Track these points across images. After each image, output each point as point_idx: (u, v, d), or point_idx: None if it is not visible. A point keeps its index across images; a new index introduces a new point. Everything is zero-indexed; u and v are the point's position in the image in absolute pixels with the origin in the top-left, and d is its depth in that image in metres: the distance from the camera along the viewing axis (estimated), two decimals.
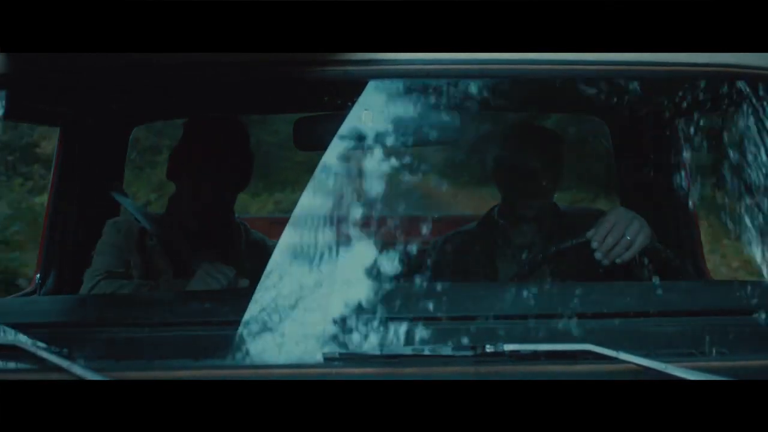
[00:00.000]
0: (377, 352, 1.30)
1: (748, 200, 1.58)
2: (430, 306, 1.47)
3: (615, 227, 1.80)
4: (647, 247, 1.81)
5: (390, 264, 1.52)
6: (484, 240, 2.32)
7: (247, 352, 1.37)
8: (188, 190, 2.18)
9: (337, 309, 1.45)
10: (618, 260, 1.80)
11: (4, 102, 1.60)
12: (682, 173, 2.60)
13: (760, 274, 1.56)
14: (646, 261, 1.83)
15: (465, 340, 1.37)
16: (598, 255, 1.80)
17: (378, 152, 1.59)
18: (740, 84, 1.63)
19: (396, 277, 1.50)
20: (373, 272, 1.50)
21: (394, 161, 1.59)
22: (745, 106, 1.66)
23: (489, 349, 1.28)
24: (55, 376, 1.23)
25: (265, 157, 7.49)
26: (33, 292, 2.56)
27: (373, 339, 1.37)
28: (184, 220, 2.20)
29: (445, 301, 1.47)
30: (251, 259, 2.24)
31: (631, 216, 1.83)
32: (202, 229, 2.20)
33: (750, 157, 1.60)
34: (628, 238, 1.79)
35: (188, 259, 2.14)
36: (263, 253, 2.23)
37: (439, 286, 1.51)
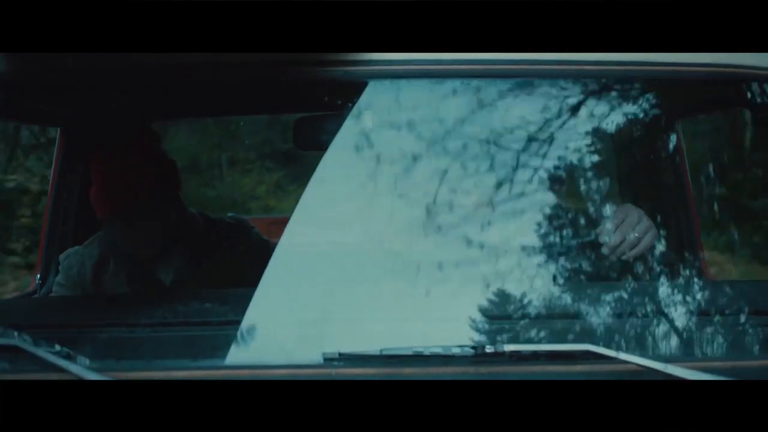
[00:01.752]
0: (377, 352, 1.30)
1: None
2: (430, 306, 1.47)
3: (624, 223, 1.80)
4: (653, 249, 1.81)
5: (389, 264, 1.52)
6: None
7: (247, 352, 1.37)
8: (122, 219, 2.09)
9: (337, 309, 1.44)
10: (624, 257, 1.80)
11: (4, 102, 1.60)
12: (682, 173, 2.60)
13: None
14: (648, 262, 1.82)
15: (465, 340, 1.37)
16: (604, 250, 1.80)
17: (378, 152, 1.59)
18: (740, 84, 1.63)
19: (396, 277, 1.50)
20: (373, 272, 1.50)
21: (393, 161, 1.59)
22: (745, 106, 1.66)
23: (489, 349, 1.28)
24: (55, 376, 1.23)
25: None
26: (33, 292, 2.57)
27: (373, 339, 1.36)
28: (132, 242, 2.14)
29: (445, 302, 1.47)
30: (210, 239, 2.22)
31: (640, 214, 1.83)
32: (152, 255, 2.15)
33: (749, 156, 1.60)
34: (636, 235, 1.79)
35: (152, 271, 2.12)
36: (224, 235, 2.23)
37: (439, 287, 1.51)
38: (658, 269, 1.85)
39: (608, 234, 1.79)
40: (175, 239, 2.19)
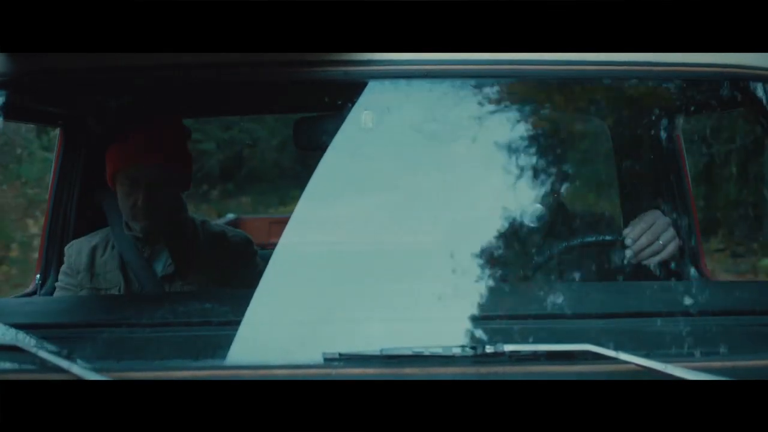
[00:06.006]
0: (377, 352, 1.30)
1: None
2: (431, 306, 1.47)
3: (651, 229, 1.80)
4: (673, 257, 1.81)
5: (390, 264, 1.52)
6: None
7: (247, 353, 1.36)
8: (126, 195, 2.12)
9: (337, 309, 1.44)
10: (644, 262, 1.80)
11: (4, 102, 1.60)
12: (682, 173, 2.61)
13: None
14: (660, 269, 1.82)
15: (465, 340, 1.37)
16: (628, 252, 1.80)
17: (377, 152, 1.59)
18: (740, 84, 1.63)
19: (396, 277, 1.50)
20: (373, 272, 1.50)
21: (393, 161, 1.59)
22: (745, 106, 1.66)
23: (489, 349, 1.28)
24: (55, 376, 1.23)
25: None
26: (33, 292, 2.57)
27: (373, 339, 1.36)
28: (130, 226, 2.16)
29: (445, 301, 1.47)
30: (209, 253, 2.23)
31: (667, 222, 1.83)
32: (148, 233, 2.16)
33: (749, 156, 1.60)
34: (661, 242, 1.79)
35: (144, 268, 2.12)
36: (222, 245, 2.23)
37: (440, 287, 1.51)
38: (659, 269, 1.86)
39: (636, 236, 1.79)
40: (170, 236, 2.20)
